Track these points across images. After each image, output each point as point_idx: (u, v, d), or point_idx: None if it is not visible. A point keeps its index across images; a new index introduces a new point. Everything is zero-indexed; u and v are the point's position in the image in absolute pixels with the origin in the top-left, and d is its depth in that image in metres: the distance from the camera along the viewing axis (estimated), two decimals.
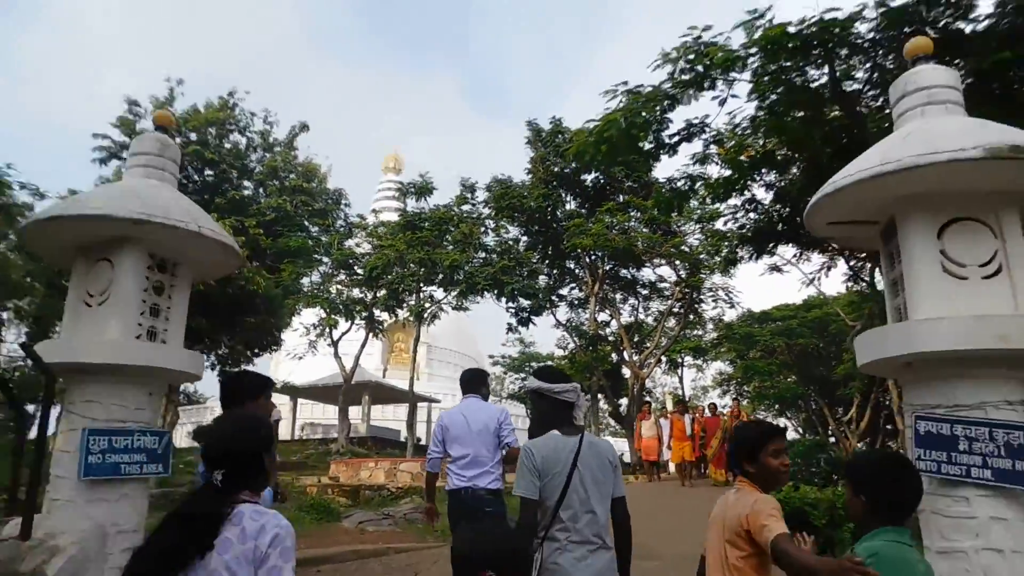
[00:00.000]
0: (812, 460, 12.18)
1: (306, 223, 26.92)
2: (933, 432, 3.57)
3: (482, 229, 20.57)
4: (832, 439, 35.84)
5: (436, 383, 48.48)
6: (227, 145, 27.06)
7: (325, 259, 24.31)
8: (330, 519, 10.32)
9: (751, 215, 16.46)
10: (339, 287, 24.02)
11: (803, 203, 13.91)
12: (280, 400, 37.47)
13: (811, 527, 6.69)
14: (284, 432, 34.16)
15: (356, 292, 23.73)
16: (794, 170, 14.98)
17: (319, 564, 5.69)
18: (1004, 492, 3.42)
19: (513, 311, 20.15)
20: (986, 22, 9.28)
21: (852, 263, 20.08)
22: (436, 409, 40.70)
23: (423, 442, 35.79)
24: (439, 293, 20.78)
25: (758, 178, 15.22)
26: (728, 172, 14.43)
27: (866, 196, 3.84)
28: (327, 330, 24.66)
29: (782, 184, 15.34)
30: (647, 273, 27.24)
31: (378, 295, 22.32)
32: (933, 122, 3.83)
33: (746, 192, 15.74)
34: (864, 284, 25.51)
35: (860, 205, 3.98)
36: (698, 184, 13.51)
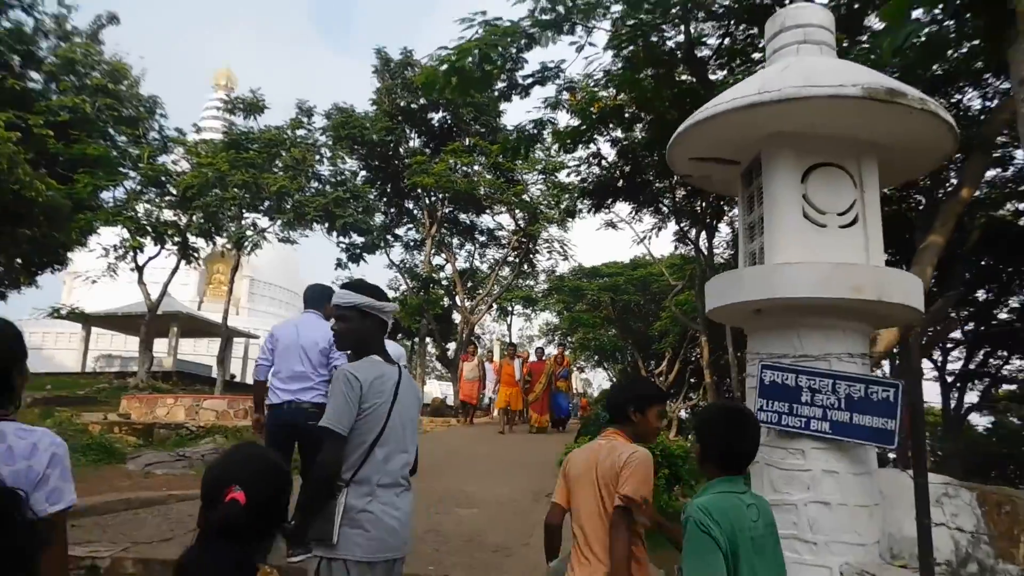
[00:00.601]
0: None
1: (111, 131, 23.62)
2: (778, 382, 3.44)
3: (317, 157, 19.02)
4: None
5: (258, 318, 45.73)
6: (3, 24, 22.83)
7: (132, 173, 21.48)
8: (112, 460, 9.05)
9: (594, 169, 16.63)
10: (148, 207, 21.34)
11: (645, 161, 14.09)
12: (71, 328, 33.41)
13: (677, 478, 6.74)
14: (73, 363, 30.52)
15: (168, 214, 21.22)
16: (639, 129, 15.25)
17: (79, 517, 4.72)
18: (839, 446, 3.37)
19: (344, 247, 19.01)
20: None
21: (682, 224, 21.18)
22: (254, 345, 38.49)
23: (237, 379, 33.89)
24: (264, 222, 19.05)
25: (605, 132, 15.30)
26: (577, 123, 14.34)
27: (735, 130, 3.57)
28: (129, 253, 21.92)
29: (627, 142, 15.57)
30: (486, 220, 27.03)
31: (193, 218, 20.10)
32: (809, 60, 3.62)
33: (592, 145, 15.81)
34: (689, 246, 27.23)
35: (727, 140, 3.72)
36: (547, 130, 13.27)
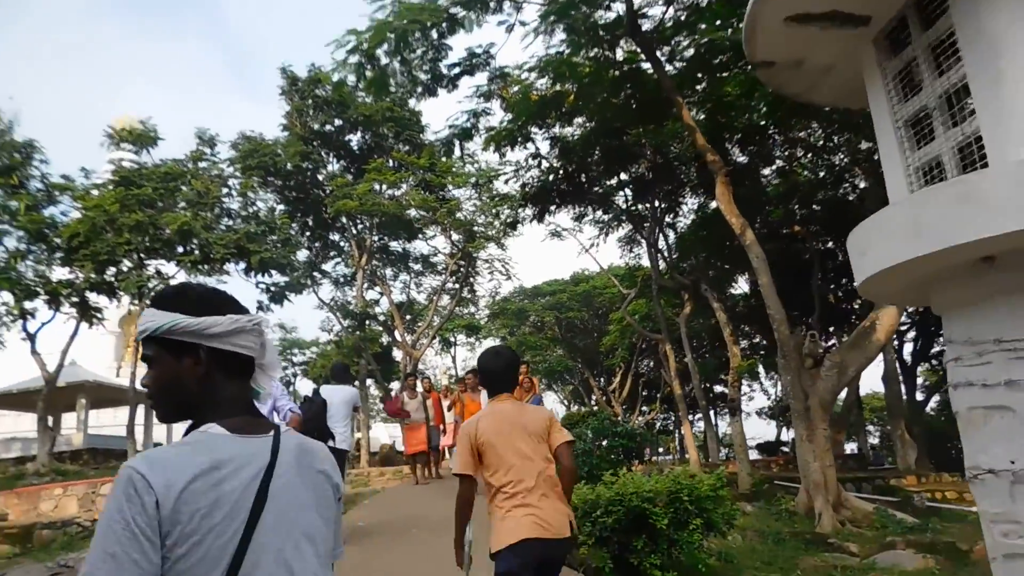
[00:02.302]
0: (606, 433, 11.00)
1: None
2: None
3: (224, 190, 16.93)
4: (595, 407, 37.34)
5: None
6: None
7: (10, 229, 18.77)
8: None
9: (534, 172, 15.26)
10: (36, 266, 18.63)
11: (589, 158, 12.64)
12: None
13: (653, 530, 5.12)
14: None
15: (63, 271, 18.59)
16: (580, 124, 13.91)
17: None
18: None
19: (264, 287, 16.92)
20: None
21: (635, 223, 19.93)
22: None
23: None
24: (170, 268, 16.74)
25: (543, 128, 13.92)
26: (511, 120, 12.87)
27: None
28: (16, 320, 19.13)
29: (568, 139, 14.22)
30: (420, 246, 25.28)
31: (90, 274, 17.57)
32: None
33: (530, 145, 14.43)
34: (635, 254, 26.12)
35: None
36: (481, 123, 11.77)
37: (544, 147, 14.76)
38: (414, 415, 11.03)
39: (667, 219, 16.63)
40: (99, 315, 19.34)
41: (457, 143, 12.23)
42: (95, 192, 16.99)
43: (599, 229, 20.52)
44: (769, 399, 40.13)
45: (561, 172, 13.94)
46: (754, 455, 43.33)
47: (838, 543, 7.98)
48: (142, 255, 15.69)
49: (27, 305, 19.51)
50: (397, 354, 27.65)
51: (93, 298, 18.64)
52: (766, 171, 17.25)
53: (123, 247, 14.46)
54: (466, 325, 34.78)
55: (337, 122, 21.51)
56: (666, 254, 19.85)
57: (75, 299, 18.68)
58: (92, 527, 9.46)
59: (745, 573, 6.48)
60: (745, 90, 12.83)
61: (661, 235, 17.08)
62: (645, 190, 15.21)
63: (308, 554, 1.32)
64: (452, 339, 36.41)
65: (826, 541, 8.04)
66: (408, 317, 27.30)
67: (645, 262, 24.59)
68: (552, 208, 15.45)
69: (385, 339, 27.42)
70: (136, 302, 16.44)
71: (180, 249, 15.22)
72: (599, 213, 18.34)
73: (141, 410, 31.37)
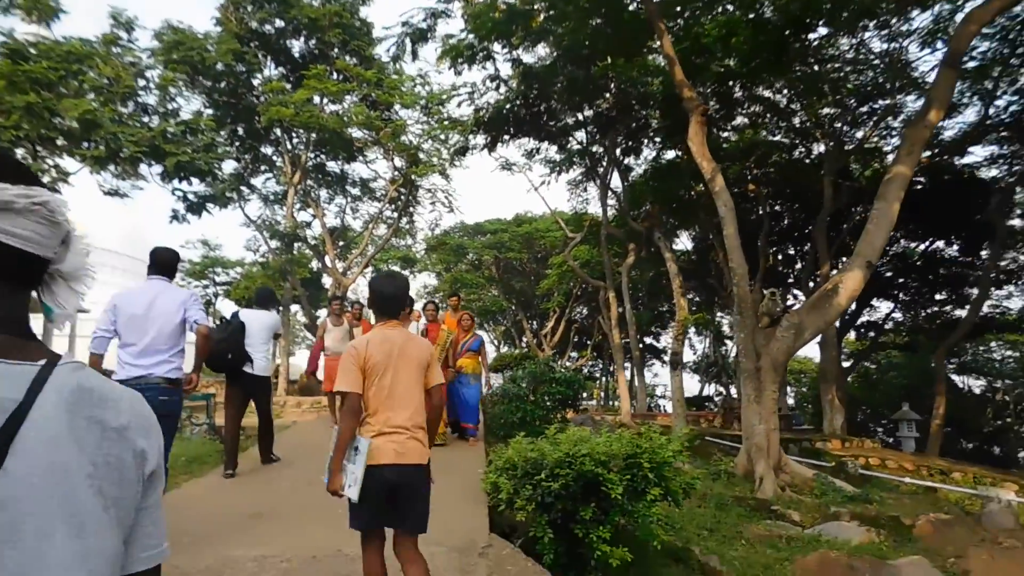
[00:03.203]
0: (543, 379, 10.30)
1: None
2: None
3: (142, 82, 15.03)
4: (526, 349, 37.20)
5: (98, 290, 39.33)
6: None
7: None
8: None
9: (490, 97, 14.11)
10: None
11: (554, 87, 11.54)
12: None
13: (604, 499, 4.40)
14: None
15: None
16: (549, 45, 12.78)
17: None
18: None
19: (181, 195, 15.25)
20: None
21: (584, 167, 19.05)
22: (85, 320, 33.04)
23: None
24: (71, 164, 14.87)
25: (507, 48, 12.75)
26: (470, 31, 11.63)
27: None
28: None
29: (534, 63, 13.07)
30: (359, 169, 23.76)
31: None
32: None
33: (489, 65, 13.23)
34: (582, 199, 25.36)
35: None
36: (439, 24, 10.51)
37: (505, 69, 13.55)
38: (335, 346, 9.09)
39: (625, 161, 15.81)
40: None
41: (409, 45, 10.93)
42: None
43: (551, 168, 19.60)
44: (696, 354, 40.90)
45: (520, 99, 12.82)
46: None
47: (781, 510, 7.59)
48: (36, 146, 13.81)
49: None
50: (327, 281, 26.37)
51: None
52: (726, 127, 16.59)
53: (10, 132, 12.58)
54: (401, 257, 33.57)
55: (278, 23, 19.50)
56: (615, 202, 19.14)
57: None
58: None
59: (691, 543, 5.93)
60: (723, 34, 11.99)
61: (618, 177, 16.30)
62: (606, 128, 14.28)
63: (58, 545, 0.86)
64: (386, 269, 35.15)
65: (769, 508, 7.64)
66: (341, 243, 25.90)
67: (593, 208, 23.95)
68: (506, 138, 14.39)
69: (315, 264, 25.99)
70: None
71: (84, 144, 13.42)
72: (554, 150, 17.40)
73: (33, 320, 29.30)
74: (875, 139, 19.96)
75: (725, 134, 16.88)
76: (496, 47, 12.22)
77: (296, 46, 20.56)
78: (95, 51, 14.15)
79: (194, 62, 17.84)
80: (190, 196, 15.61)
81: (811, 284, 19.41)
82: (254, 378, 6.72)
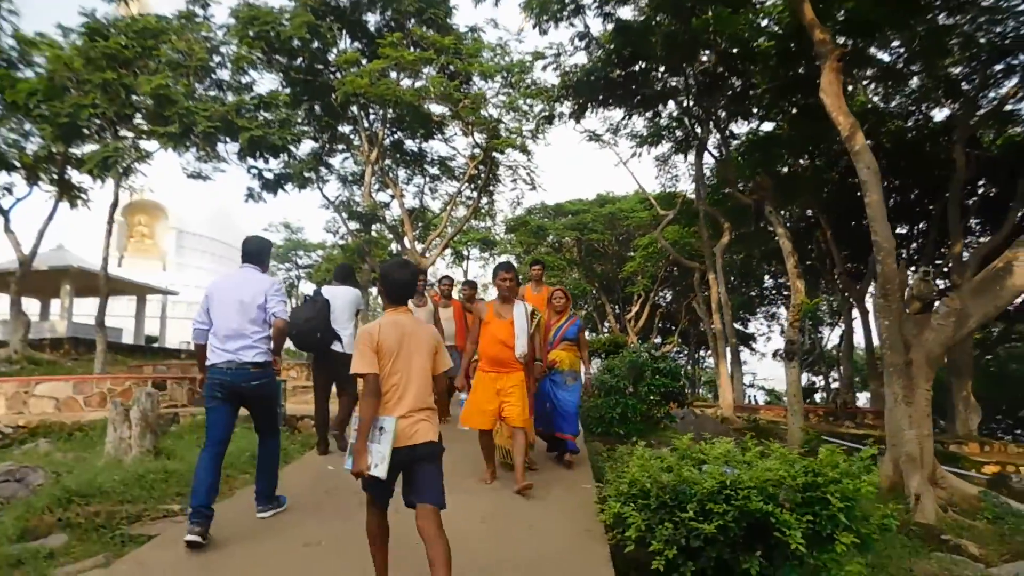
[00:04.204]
0: (644, 369, 9.06)
1: None
2: None
3: (216, 58, 14.56)
4: (608, 334, 35.83)
5: (188, 273, 40.97)
6: None
7: None
8: None
9: (579, 59, 12.82)
10: (9, 135, 16.47)
11: (650, 43, 10.05)
12: None
13: (779, 549, 3.20)
14: None
15: (41, 141, 16.47)
16: (640, 2, 11.41)
17: None
18: None
19: (256, 173, 14.75)
20: None
21: (674, 141, 17.52)
22: (174, 303, 33.78)
23: (159, 343, 29.32)
24: (149, 145, 14.56)
25: (594, 3, 11.45)
26: None
27: None
28: None
29: (627, 19, 11.70)
30: (438, 147, 22.90)
31: (53, 142, 15.43)
32: None
33: (578, 21, 11.97)
34: (671, 175, 23.75)
35: None
36: None
37: (596, 25, 12.21)
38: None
39: (730, 127, 14.22)
40: (83, 195, 17.36)
41: None
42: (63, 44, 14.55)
43: (639, 142, 18.13)
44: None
45: (615, 58, 11.48)
46: (776, 400, 42.10)
47: (953, 540, 6.14)
48: (114, 123, 13.51)
49: (1, 178, 17.64)
50: None
51: (77, 176, 16.61)
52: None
53: (87, 110, 12.27)
54: (481, 239, 32.80)
55: None
56: (711, 176, 17.51)
57: (54, 174, 16.70)
58: (16, 432, 7.77)
59: None
60: None
61: (714, 150, 14.74)
62: (709, 89, 12.77)
63: None
64: (465, 252, 34.47)
65: (938, 537, 6.19)
66: (420, 225, 25.22)
67: (683, 185, 22.32)
68: (595, 104, 13.08)
69: (395, 246, 25.48)
70: (103, 173, 14.20)
71: (160, 122, 13.01)
72: (641, 123, 15.95)
73: (127, 302, 30.06)
74: (1011, 102, 17.46)
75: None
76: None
77: (372, 20, 19.84)
78: (170, 26, 13.73)
79: (269, 37, 17.33)
80: (265, 174, 15.08)
81: (932, 265, 17.23)
82: (343, 356, 6.49)
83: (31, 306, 28.37)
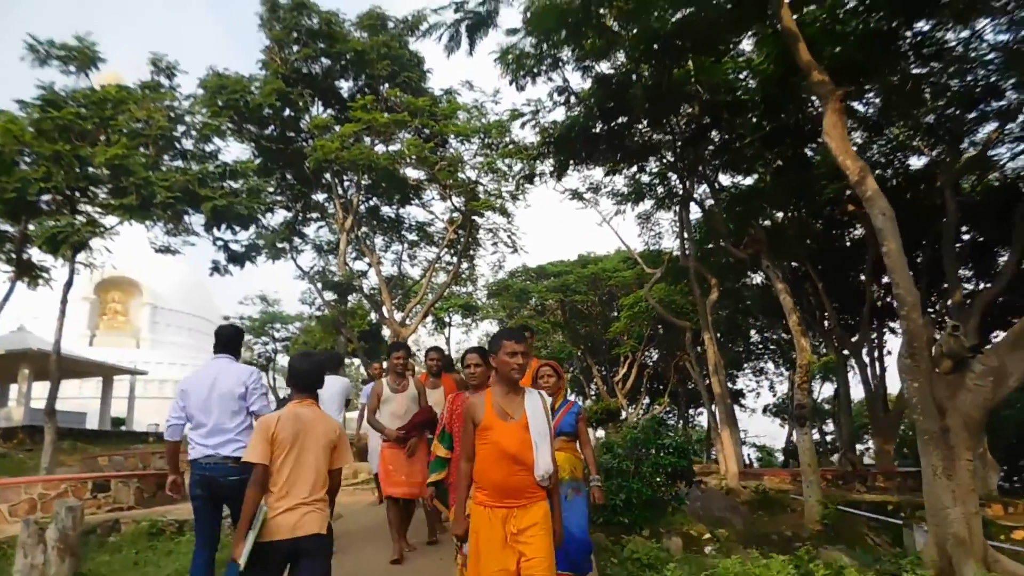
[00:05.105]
0: (649, 445, 8.14)
1: None
2: None
3: (182, 128, 13.92)
4: (595, 396, 34.80)
5: (162, 350, 39.68)
6: None
7: None
8: None
9: (558, 114, 12.35)
10: None
11: (631, 95, 9.51)
12: None
13: None
14: None
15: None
16: (625, 50, 10.97)
17: None
18: None
19: (222, 245, 13.95)
20: None
21: (656, 198, 17.06)
22: (145, 382, 32.34)
23: (127, 427, 27.74)
24: (110, 219, 13.73)
25: (578, 56, 11.00)
26: (529, 31, 9.91)
27: None
28: None
29: (608, 69, 11.25)
30: (416, 212, 22.35)
31: (31, 227, 14.62)
32: None
33: (556, 74, 11.49)
34: (654, 233, 23.29)
35: None
36: (500, 9, 8.80)
37: (575, 79, 11.77)
38: (395, 420, 5.80)
39: (719, 179, 13.71)
40: (44, 274, 16.37)
41: (465, 36, 9.25)
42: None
43: (619, 199, 17.65)
44: (776, 396, 37.71)
45: (596, 110, 10.96)
46: (769, 457, 40.89)
47: None
48: (69, 197, 12.70)
49: None
50: (386, 333, 24.82)
51: (38, 255, 15.67)
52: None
53: (37, 184, 11.49)
54: (462, 304, 32.00)
55: (324, 61, 18.46)
56: (688, 233, 17.02)
57: (11, 253, 15.77)
58: None
59: None
60: (832, 18, 10.02)
61: (706, 199, 14.23)
62: (696, 140, 12.29)
63: None
64: (447, 319, 33.59)
65: None
66: (400, 292, 24.41)
67: (666, 242, 21.83)
68: (577, 161, 12.54)
69: (373, 316, 24.55)
70: (67, 259, 13.35)
71: (113, 191, 12.24)
72: (622, 182, 15.48)
73: (96, 384, 28.60)
74: (992, 146, 17.28)
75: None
76: (565, 53, 10.46)
77: (345, 86, 19.52)
78: (132, 95, 13.12)
79: (238, 105, 16.84)
80: (232, 246, 14.26)
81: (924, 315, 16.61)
82: None
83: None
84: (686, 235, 15.64)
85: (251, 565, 3.11)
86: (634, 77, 11.01)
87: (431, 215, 21.94)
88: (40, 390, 24.79)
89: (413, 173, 18.50)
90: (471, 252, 21.73)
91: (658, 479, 7.88)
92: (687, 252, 14.89)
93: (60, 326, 13.67)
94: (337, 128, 17.49)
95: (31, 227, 14.30)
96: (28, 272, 16.22)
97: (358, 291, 21.17)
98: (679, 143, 12.42)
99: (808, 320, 21.86)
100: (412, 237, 23.29)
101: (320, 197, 20.72)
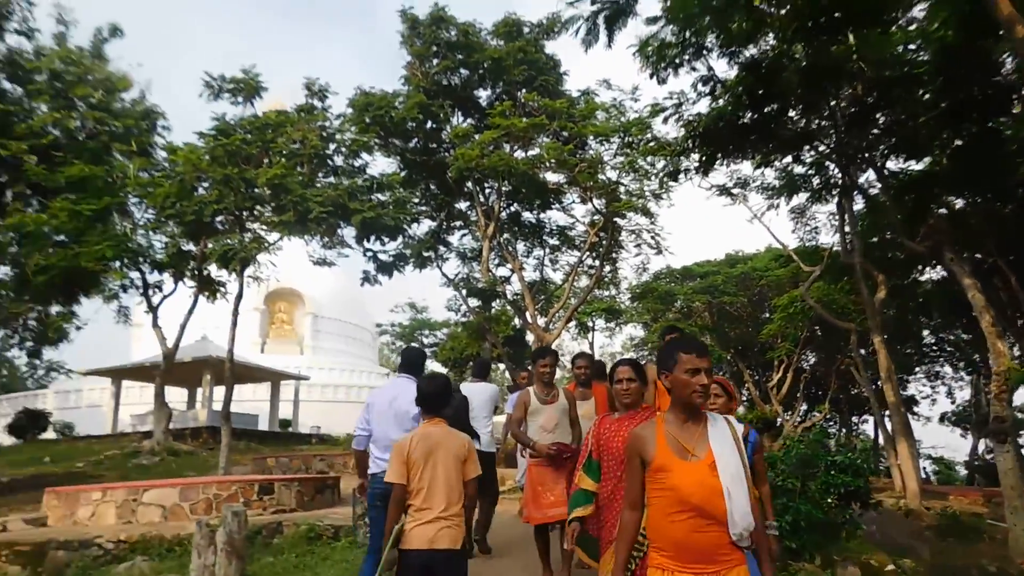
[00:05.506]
0: (816, 461, 7.35)
1: (115, 153, 20.25)
2: None
3: (332, 146, 14.71)
4: (747, 403, 32.90)
5: (323, 356, 42.41)
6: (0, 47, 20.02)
7: (133, 196, 17.78)
8: None
9: (701, 106, 11.67)
10: (164, 235, 17.52)
11: (783, 78, 8.70)
12: (102, 384, 30.38)
13: None
14: (100, 425, 27.21)
15: (185, 243, 17.43)
16: (775, 34, 10.17)
17: None
18: None
19: (371, 255, 14.56)
20: None
21: (811, 190, 15.76)
22: (309, 387, 34.64)
23: (294, 428, 29.97)
24: (273, 235, 14.80)
25: (717, 42, 10.35)
26: (668, 17, 9.39)
27: None
28: (144, 293, 18.53)
29: (757, 54, 10.48)
30: (556, 216, 22.27)
31: (209, 245, 16.18)
32: None
33: (700, 63, 10.87)
34: (809, 228, 21.67)
35: None
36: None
37: (720, 66, 11.14)
38: (544, 435, 5.18)
39: (890, 164, 12.35)
40: (221, 288, 17.98)
41: (604, 29, 8.91)
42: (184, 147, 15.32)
43: (775, 190, 16.49)
44: (954, 403, 33.79)
45: (746, 98, 10.21)
46: (948, 472, 36.84)
47: None
48: (237, 216, 13.78)
49: (152, 278, 18.81)
50: (530, 338, 24.95)
51: (215, 271, 17.27)
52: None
53: (211, 206, 12.56)
54: (605, 308, 31.52)
55: (463, 72, 18.86)
56: (852, 226, 15.54)
57: (195, 270, 17.50)
58: (116, 548, 7.26)
59: None
60: None
61: (869, 188, 12.92)
62: (859, 123, 11.14)
63: None
64: (590, 323, 33.23)
65: None
66: (543, 298, 24.42)
67: (823, 237, 20.23)
68: (725, 154, 11.78)
69: (517, 321, 24.77)
70: (231, 268, 14.48)
71: (275, 209, 13.14)
72: (779, 166, 14.41)
73: (266, 388, 31.02)
74: None
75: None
76: (709, 39, 9.83)
77: (483, 95, 19.85)
78: (288, 119, 14.05)
79: (383, 121, 17.56)
80: (381, 256, 14.86)
81: None
82: (482, 455, 5.48)
83: (179, 396, 30.09)
84: (848, 228, 14.30)
85: (393, 572, 3.44)
86: (786, 60, 10.14)
87: (572, 219, 21.72)
88: (220, 394, 27.38)
89: (553, 177, 18.46)
90: (613, 255, 21.32)
91: (828, 500, 7.08)
92: (851, 247, 13.56)
93: (232, 335, 14.87)
94: (477, 136, 17.81)
95: (209, 246, 15.77)
96: (208, 286, 17.91)
97: (501, 297, 21.41)
98: (840, 128, 11.28)
99: (1000, 320, 19.33)
100: (553, 242, 23.26)
101: (463, 205, 21.21)
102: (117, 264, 16.53)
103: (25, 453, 20.99)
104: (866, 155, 11.93)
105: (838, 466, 7.29)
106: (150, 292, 18.90)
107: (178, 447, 19.48)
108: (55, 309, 21.96)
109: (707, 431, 2.63)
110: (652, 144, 14.33)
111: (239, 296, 14.86)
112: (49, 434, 26.34)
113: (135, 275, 18.30)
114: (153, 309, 19.20)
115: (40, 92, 19.71)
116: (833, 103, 11.03)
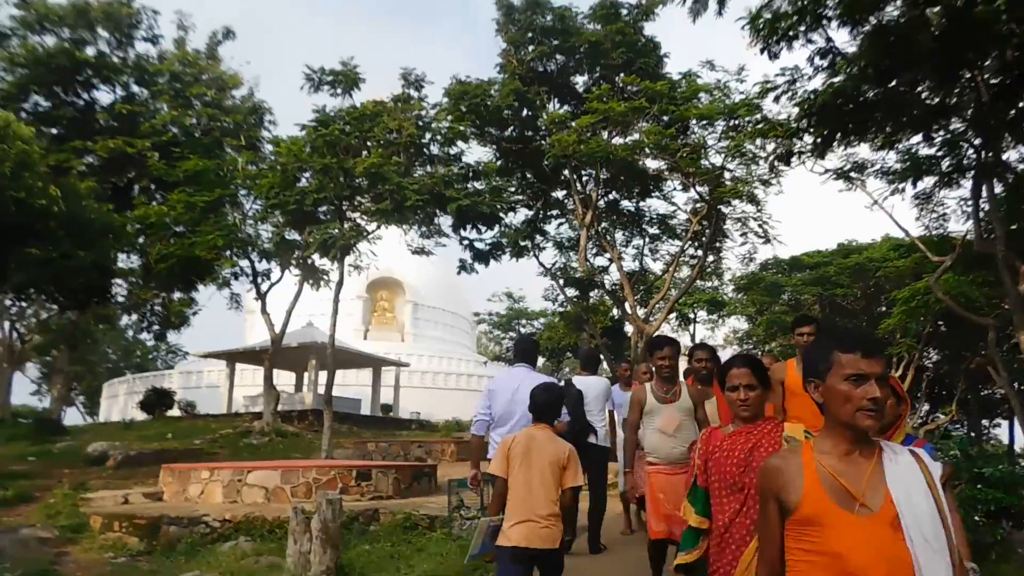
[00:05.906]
0: (960, 474, 6.55)
1: (226, 147, 21.33)
2: None
3: (427, 136, 14.74)
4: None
5: (422, 344, 43.22)
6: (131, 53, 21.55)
7: (242, 188, 18.63)
8: None
9: (816, 82, 10.77)
10: (271, 225, 18.32)
11: (915, 47, 7.74)
12: (219, 366, 32.23)
13: None
14: (218, 404, 28.82)
15: (289, 232, 18.14)
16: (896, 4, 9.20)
17: None
18: None
19: (467, 244, 14.49)
20: None
21: (939, 174, 14.35)
22: (409, 374, 35.44)
23: (396, 413, 30.85)
24: (372, 224, 15.05)
25: (837, 11, 9.47)
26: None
27: None
28: (246, 281, 19.46)
29: (880, 22, 9.53)
30: (656, 204, 21.53)
31: (312, 234, 16.74)
32: None
33: (817, 34, 10.02)
34: (935, 214, 19.90)
35: None
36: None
37: (841, 37, 10.23)
38: (661, 444, 4.48)
39: None
40: (324, 276, 18.56)
41: None
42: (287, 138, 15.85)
43: (899, 174, 15.13)
44: None
45: (869, 70, 9.28)
46: None
47: None
48: (334, 203, 14.05)
49: (260, 266, 19.69)
50: (628, 329, 24.34)
51: (319, 260, 17.86)
52: None
53: (312, 195, 12.85)
54: (708, 300, 30.39)
55: (559, 57, 18.47)
56: (994, 212, 14.03)
57: (299, 259, 18.15)
58: (222, 526, 7.47)
59: None
60: None
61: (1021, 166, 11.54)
62: (1007, 96, 9.94)
63: None
64: (692, 315, 32.14)
65: None
66: (642, 288, 23.76)
67: (953, 226, 18.48)
68: (844, 134, 10.81)
69: (615, 312, 24.21)
70: (331, 256, 14.87)
71: (373, 198, 13.31)
72: (893, 158, 13.20)
73: (368, 374, 31.92)
74: None
75: None
76: (829, 7, 9.00)
77: (580, 80, 19.39)
78: (385, 108, 14.18)
79: (479, 111, 17.46)
80: (477, 244, 14.80)
81: None
82: (599, 449, 6.33)
83: (287, 379, 31.52)
84: (983, 214, 12.89)
85: (497, 564, 3.62)
86: (919, 27, 9.13)
87: (673, 207, 20.90)
88: (325, 378, 28.45)
89: (653, 163, 17.80)
90: (717, 244, 20.38)
91: (976, 517, 6.30)
92: (993, 235, 12.21)
93: (334, 322, 15.25)
94: (573, 123, 17.40)
95: (312, 235, 16.28)
96: (312, 275, 18.50)
97: (599, 287, 20.95)
98: (984, 101, 10.09)
99: None
100: (653, 231, 22.50)
101: (559, 194, 20.85)
102: (228, 252, 17.41)
103: (152, 428, 22.52)
104: (1012, 132, 10.64)
105: (986, 479, 6.48)
106: (259, 280, 19.71)
107: (285, 428, 20.30)
108: (176, 295, 23.52)
109: (883, 467, 1.74)
110: (762, 125, 13.44)
111: (340, 283, 15.20)
112: (174, 411, 28.20)
113: (244, 263, 19.21)
114: (262, 296, 20.00)
115: (161, 92, 20.99)
116: (974, 72, 9.89)
